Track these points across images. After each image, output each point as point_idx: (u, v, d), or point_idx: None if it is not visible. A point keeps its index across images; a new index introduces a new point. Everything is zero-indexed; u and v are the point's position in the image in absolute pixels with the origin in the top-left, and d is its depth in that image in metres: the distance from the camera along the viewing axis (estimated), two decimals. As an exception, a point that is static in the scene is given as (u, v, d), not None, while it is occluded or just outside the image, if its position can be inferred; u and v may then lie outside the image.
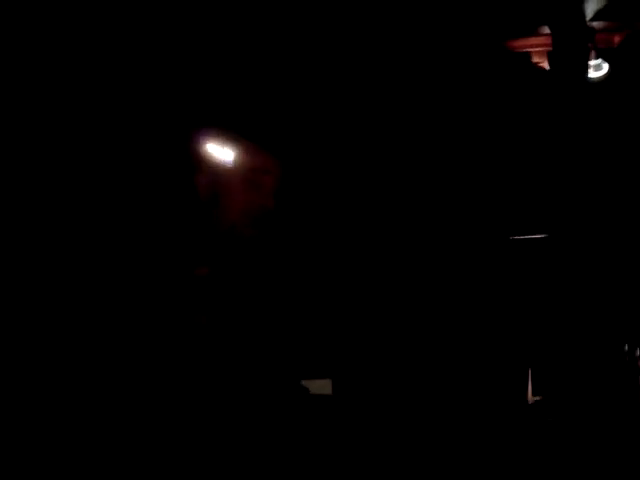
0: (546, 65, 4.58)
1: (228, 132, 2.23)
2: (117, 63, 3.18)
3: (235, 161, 2.18)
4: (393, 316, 3.74)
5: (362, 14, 4.12)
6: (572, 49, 4.25)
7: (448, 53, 4.58)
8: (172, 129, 2.57)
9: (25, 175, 2.85)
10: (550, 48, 4.39)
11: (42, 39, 3.09)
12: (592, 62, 4.47)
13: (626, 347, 4.31)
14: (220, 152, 2.16)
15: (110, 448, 2.11)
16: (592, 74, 4.50)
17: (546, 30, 4.36)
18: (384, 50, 4.31)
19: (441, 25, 4.39)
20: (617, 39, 4.67)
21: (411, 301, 3.88)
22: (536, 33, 4.44)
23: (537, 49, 4.55)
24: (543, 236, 4.76)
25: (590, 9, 4.18)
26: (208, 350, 2.13)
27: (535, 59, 4.59)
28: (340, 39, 4.13)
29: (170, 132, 2.56)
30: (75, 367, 2.20)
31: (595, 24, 4.34)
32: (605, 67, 4.62)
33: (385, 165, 4.43)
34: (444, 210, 4.47)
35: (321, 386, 3.08)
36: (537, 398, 4.69)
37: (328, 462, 2.27)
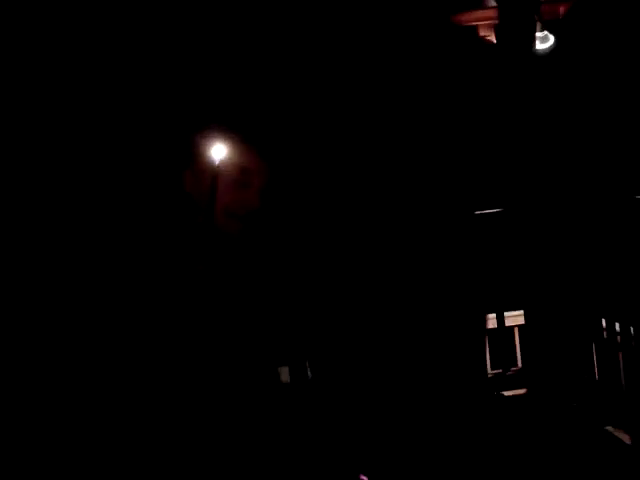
0: (493, 38, 4.57)
1: (218, 132, 2.22)
2: (105, 61, 3.10)
3: (224, 160, 2.18)
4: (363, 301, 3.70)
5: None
6: (518, 21, 4.23)
7: (394, 27, 4.53)
8: (160, 128, 2.57)
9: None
10: (497, 21, 4.37)
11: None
12: (538, 34, 4.48)
13: (604, 323, 4.36)
14: (210, 151, 2.17)
15: (107, 441, 2.08)
16: (539, 46, 4.50)
17: (492, 3, 4.34)
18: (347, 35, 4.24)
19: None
20: (562, 10, 4.69)
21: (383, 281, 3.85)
22: (482, 6, 4.43)
23: (484, 22, 4.54)
24: (499, 210, 4.78)
25: (535, -20, 4.16)
26: (199, 344, 2.10)
27: (482, 33, 4.58)
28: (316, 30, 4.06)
29: (158, 131, 2.57)
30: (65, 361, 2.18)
31: (540, -5, 4.34)
32: (551, 39, 4.63)
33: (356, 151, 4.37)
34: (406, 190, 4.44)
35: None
36: (496, 371, 4.76)
37: (300, 446, 2.26)
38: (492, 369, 4.78)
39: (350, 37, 4.40)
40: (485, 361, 4.51)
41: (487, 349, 4.67)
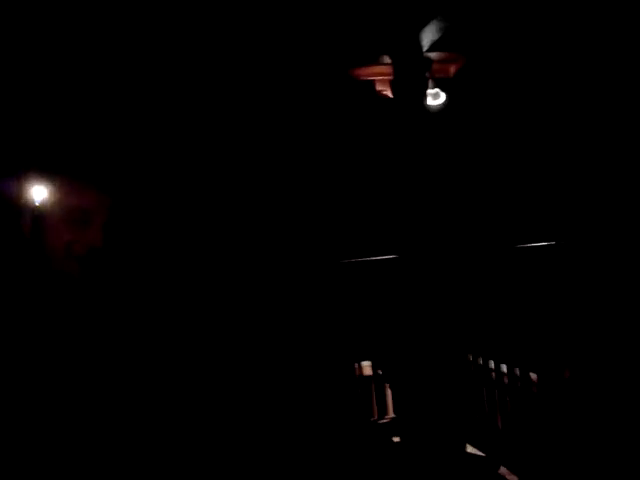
0: (389, 93, 4.77)
1: (51, 172, 2.24)
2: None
3: (59, 200, 2.18)
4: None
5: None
6: (411, 78, 4.45)
7: (297, 78, 4.67)
8: None
9: None
10: (392, 77, 4.57)
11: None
12: (430, 90, 4.71)
13: (470, 357, 4.51)
14: (43, 192, 2.16)
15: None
16: (431, 102, 4.74)
17: (387, 60, 4.54)
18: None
19: (293, 50, 4.46)
20: (452, 69, 4.94)
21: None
22: (378, 62, 4.61)
23: (380, 78, 4.72)
24: (393, 257, 4.93)
25: (426, 40, 4.39)
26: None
27: (378, 87, 4.76)
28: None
29: None
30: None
31: (432, 55, 4.58)
32: (443, 96, 4.88)
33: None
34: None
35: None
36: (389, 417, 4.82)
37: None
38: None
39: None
40: (358, 407, 4.54)
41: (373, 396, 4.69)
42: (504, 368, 4.26)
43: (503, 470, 4.10)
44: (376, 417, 4.79)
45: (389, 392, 4.85)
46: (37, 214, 2.07)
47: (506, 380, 4.26)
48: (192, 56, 4.04)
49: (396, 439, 4.43)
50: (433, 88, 4.78)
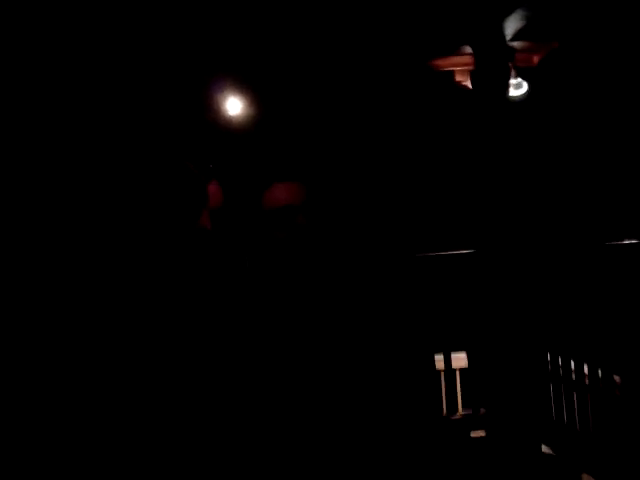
0: (469, 84, 4.67)
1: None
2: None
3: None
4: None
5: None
6: (493, 68, 4.34)
7: (377, 72, 4.63)
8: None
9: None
10: (472, 67, 4.47)
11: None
12: (512, 81, 4.59)
13: (549, 356, 4.39)
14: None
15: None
16: (512, 92, 4.61)
17: (468, 49, 4.44)
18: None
19: (371, 45, 4.43)
20: (536, 59, 4.80)
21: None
22: (458, 52, 4.52)
23: (460, 68, 4.63)
24: (470, 251, 4.84)
25: (510, 29, 4.27)
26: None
27: (458, 78, 4.67)
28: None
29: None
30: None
31: (515, 44, 4.45)
32: (525, 86, 4.75)
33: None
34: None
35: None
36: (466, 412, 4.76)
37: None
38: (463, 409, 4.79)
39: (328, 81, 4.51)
40: (437, 402, 4.50)
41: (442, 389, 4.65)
42: (585, 369, 4.12)
43: (586, 477, 3.98)
44: (445, 413, 4.74)
45: (459, 387, 4.78)
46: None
47: (587, 381, 4.12)
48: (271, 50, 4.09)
49: (474, 434, 4.37)
50: (515, 78, 4.65)
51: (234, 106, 4.18)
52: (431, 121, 4.84)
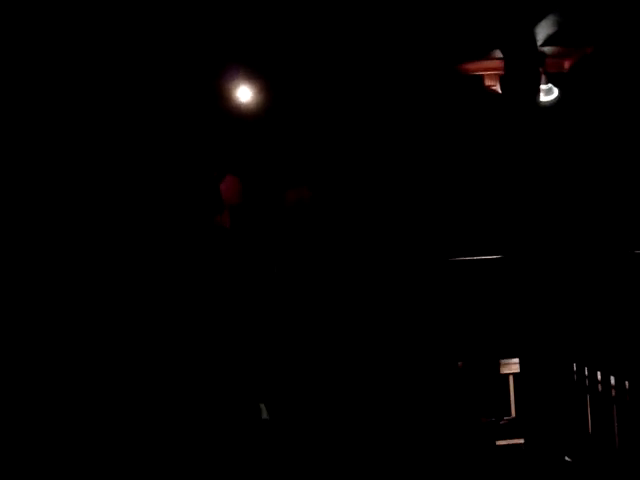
0: (498, 88, 4.63)
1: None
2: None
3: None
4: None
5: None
6: (523, 73, 4.29)
7: (407, 75, 4.61)
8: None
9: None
10: (502, 72, 4.43)
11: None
12: (543, 86, 4.54)
13: (574, 366, 4.33)
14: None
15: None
16: (543, 98, 4.56)
17: (498, 54, 4.41)
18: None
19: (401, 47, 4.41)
20: (567, 64, 4.75)
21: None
22: (488, 57, 4.49)
23: (489, 72, 4.59)
24: (498, 257, 4.80)
25: (541, 34, 4.23)
26: None
27: (487, 82, 4.64)
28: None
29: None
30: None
31: (546, 49, 4.41)
32: (555, 91, 4.69)
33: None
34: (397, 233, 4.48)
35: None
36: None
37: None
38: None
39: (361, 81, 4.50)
40: (476, 407, 4.48)
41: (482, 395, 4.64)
42: (612, 380, 4.05)
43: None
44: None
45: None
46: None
47: (613, 393, 4.05)
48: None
49: (500, 443, 4.33)
50: (546, 83, 4.61)
51: (247, 95, 4.13)
52: (461, 125, 4.80)
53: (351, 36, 4.29)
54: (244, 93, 4.10)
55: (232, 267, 2.29)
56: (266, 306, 2.25)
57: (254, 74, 4.03)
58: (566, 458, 4.24)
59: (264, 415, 2.44)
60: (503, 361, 4.74)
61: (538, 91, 4.41)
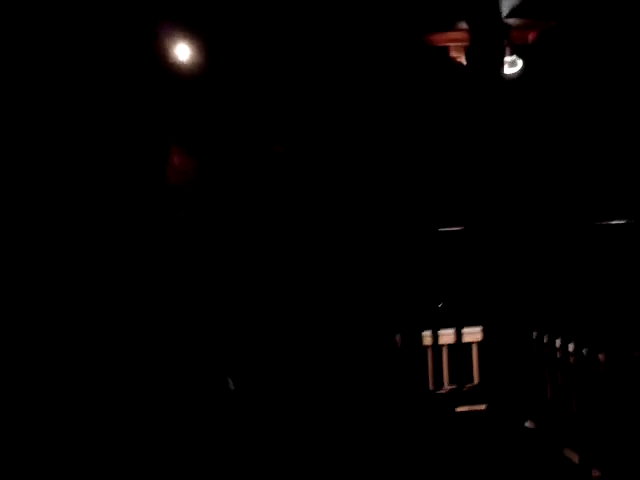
0: (463, 60, 4.65)
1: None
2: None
3: None
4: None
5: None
6: (488, 45, 4.31)
7: (372, 45, 4.59)
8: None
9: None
10: (467, 43, 4.45)
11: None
12: (507, 58, 4.57)
13: (534, 335, 4.43)
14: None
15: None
16: (507, 70, 4.59)
17: (464, 25, 4.41)
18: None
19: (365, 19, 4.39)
20: (531, 36, 4.77)
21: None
22: (454, 28, 4.49)
23: (455, 44, 4.60)
24: (460, 228, 4.86)
25: (506, 6, 4.25)
26: None
27: (453, 54, 4.64)
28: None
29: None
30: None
31: (510, 21, 4.42)
32: (520, 63, 4.73)
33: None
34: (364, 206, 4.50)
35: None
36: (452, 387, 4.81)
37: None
38: (449, 384, 4.85)
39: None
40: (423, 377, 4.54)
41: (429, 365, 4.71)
42: (570, 347, 4.16)
43: (568, 452, 4.04)
44: (433, 388, 4.79)
45: (446, 363, 4.84)
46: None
47: (572, 360, 4.16)
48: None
49: (459, 409, 4.42)
50: (510, 55, 4.63)
51: (186, 53, 3.76)
52: (428, 98, 4.81)
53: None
54: (182, 51, 3.72)
55: (185, 265, 2.29)
56: (232, 283, 2.26)
57: (191, 29, 3.79)
58: (526, 424, 4.36)
59: (231, 386, 2.48)
60: (467, 330, 4.83)
61: (502, 63, 4.45)
